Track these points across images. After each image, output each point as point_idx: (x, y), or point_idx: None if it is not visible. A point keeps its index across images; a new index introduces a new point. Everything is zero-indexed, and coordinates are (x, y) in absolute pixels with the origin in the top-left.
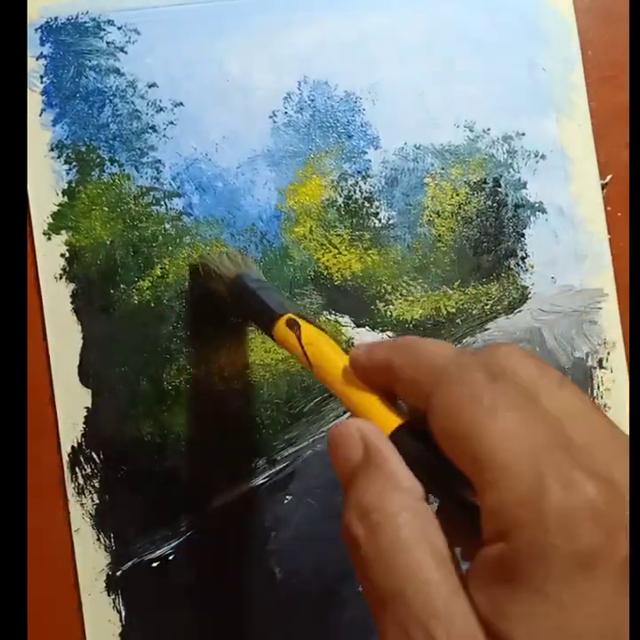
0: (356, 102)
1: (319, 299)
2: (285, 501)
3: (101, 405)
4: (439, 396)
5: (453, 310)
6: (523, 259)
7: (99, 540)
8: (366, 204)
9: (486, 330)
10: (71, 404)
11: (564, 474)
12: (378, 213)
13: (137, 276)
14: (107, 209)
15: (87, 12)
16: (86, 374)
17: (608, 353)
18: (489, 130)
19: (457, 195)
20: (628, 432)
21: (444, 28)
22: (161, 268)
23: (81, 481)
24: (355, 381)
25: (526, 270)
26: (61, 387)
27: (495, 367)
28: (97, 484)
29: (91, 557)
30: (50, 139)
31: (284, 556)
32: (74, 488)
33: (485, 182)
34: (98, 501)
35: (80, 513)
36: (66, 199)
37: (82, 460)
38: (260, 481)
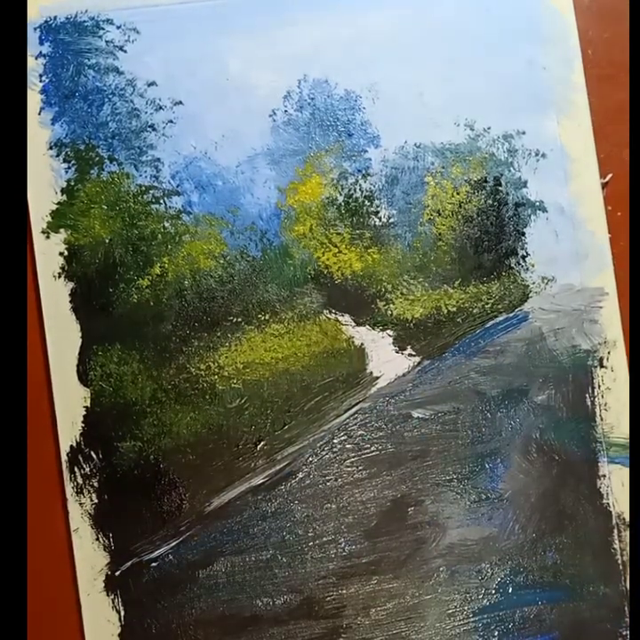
0: (356, 101)
1: (319, 297)
2: (285, 501)
3: (100, 404)
4: None
5: (454, 309)
6: (523, 257)
7: (98, 539)
8: (366, 202)
9: (487, 329)
10: (70, 403)
11: None
12: (378, 212)
13: (136, 275)
14: (106, 207)
15: (86, 11)
16: (85, 373)
17: (608, 352)
18: (489, 128)
19: (457, 193)
20: (628, 431)
21: (445, 26)
22: (160, 267)
23: (80, 480)
24: None
25: (527, 269)
26: (60, 386)
27: None
28: (96, 484)
29: (90, 557)
30: (49, 137)
31: (285, 555)
32: (73, 487)
33: (486, 181)
34: (97, 501)
35: (79, 512)
36: (65, 197)
37: (81, 459)
38: (259, 481)
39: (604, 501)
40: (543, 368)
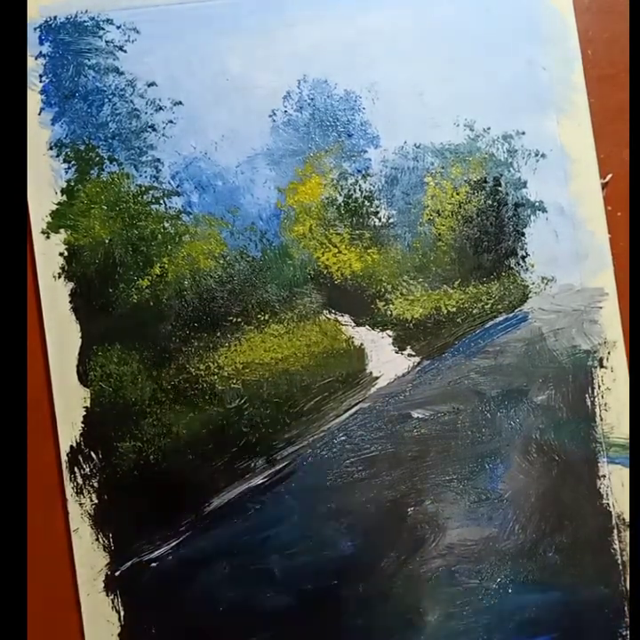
0: (355, 101)
1: (319, 297)
2: (284, 501)
3: (100, 405)
4: None
5: (454, 309)
6: (523, 258)
7: (97, 539)
8: (366, 202)
9: (487, 329)
10: (70, 404)
11: None
12: (378, 212)
13: (136, 275)
14: (106, 208)
15: (86, 11)
16: (85, 374)
17: (608, 352)
18: (489, 129)
19: (457, 194)
20: (628, 431)
21: (444, 27)
22: (160, 267)
23: (80, 481)
24: None
25: (527, 269)
26: (60, 386)
27: None
28: (96, 484)
29: (89, 557)
30: (49, 137)
31: (284, 555)
32: (73, 488)
33: (486, 181)
34: (97, 501)
35: (79, 513)
36: (65, 198)
37: (80, 459)
38: (259, 481)
39: (604, 501)
40: (543, 368)
